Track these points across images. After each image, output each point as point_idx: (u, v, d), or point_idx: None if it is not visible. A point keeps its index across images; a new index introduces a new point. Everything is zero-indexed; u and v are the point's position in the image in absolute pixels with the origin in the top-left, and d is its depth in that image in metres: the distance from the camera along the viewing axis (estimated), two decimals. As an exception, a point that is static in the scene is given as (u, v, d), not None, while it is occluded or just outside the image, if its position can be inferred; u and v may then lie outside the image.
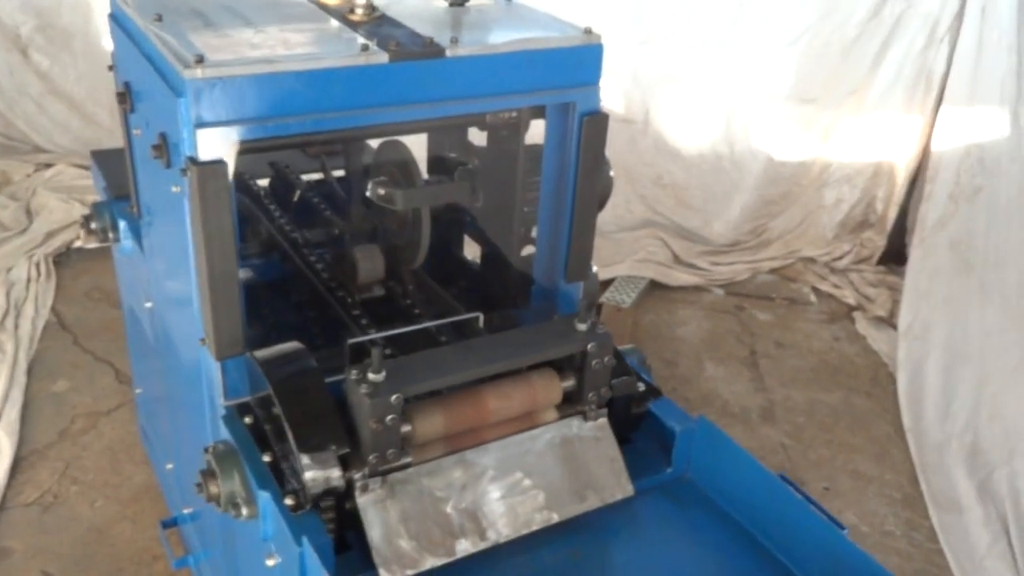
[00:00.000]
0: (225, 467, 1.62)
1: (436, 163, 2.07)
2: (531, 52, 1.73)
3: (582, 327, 1.69)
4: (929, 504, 3.24)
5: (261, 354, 1.66)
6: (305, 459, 1.51)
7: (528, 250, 2.09)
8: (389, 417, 1.51)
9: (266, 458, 1.63)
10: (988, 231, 4.12)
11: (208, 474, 1.63)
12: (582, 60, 1.79)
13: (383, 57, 1.61)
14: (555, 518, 1.65)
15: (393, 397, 1.50)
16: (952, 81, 4.33)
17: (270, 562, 1.59)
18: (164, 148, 1.63)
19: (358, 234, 2.11)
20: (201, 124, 1.50)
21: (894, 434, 3.57)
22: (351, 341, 1.81)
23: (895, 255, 4.67)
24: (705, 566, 1.62)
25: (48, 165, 4.77)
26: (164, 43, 1.58)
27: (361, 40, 1.64)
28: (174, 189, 1.66)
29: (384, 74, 1.61)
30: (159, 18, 1.69)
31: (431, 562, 1.54)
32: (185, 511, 2.39)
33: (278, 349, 1.67)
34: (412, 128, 1.86)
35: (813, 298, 4.41)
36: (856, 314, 4.32)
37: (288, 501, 1.53)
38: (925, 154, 4.50)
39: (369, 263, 2.02)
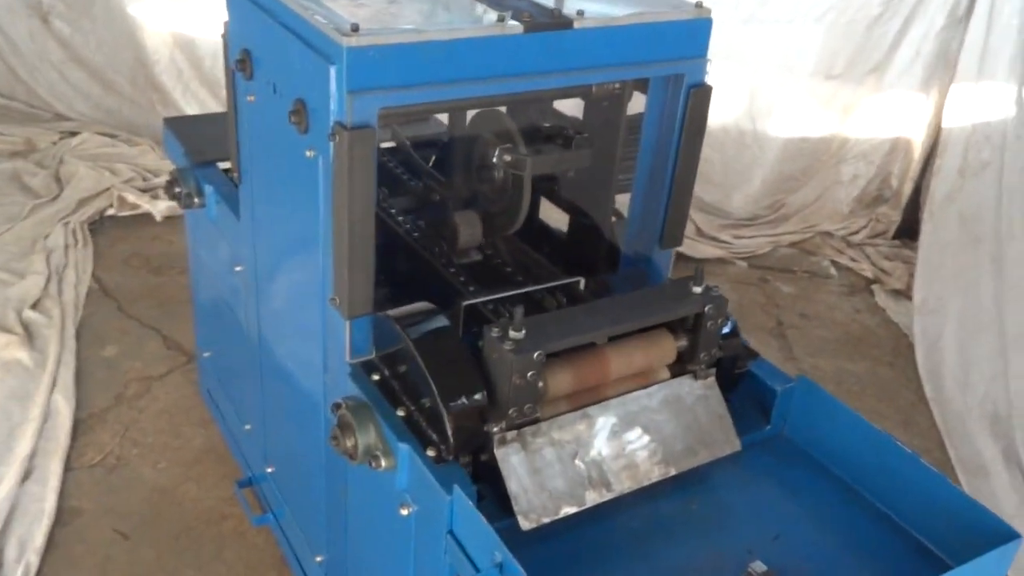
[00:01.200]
0: (361, 421, 1.69)
1: (531, 132, 2.13)
2: (649, 24, 1.80)
3: (698, 290, 1.77)
4: (957, 469, 3.38)
5: (396, 313, 1.73)
6: (450, 412, 1.58)
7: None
8: (531, 373, 1.59)
9: (400, 412, 1.70)
10: (995, 205, 4.25)
11: (344, 427, 1.70)
12: (693, 33, 1.87)
13: (518, 28, 1.67)
14: (672, 471, 1.74)
15: (536, 354, 1.58)
16: (963, 59, 4.44)
17: (404, 511, 1.67)
18: (303, 113, 1.69)
19: (455, 200, 2.17)
20: (353, 90, 1.56)
21: (918, 402, 3.70)
22: (465, 303, 1.89)
23: (909, 230, 4.80)
24: (813, 518, 1.72)
25: (73, 133, 4.76)
26: (313, 12, 1.63)
27: (495, 11, 1.71)
28: (308, 153, 1.72)
29: (519, 44, 1.68)
30: (292, -16, 1.74)
31: (564, 510, 1.63)
32: (268, 470, 2.46)
33: (410, 308, 1.75)
34: (534, 97, 1.92)
35: (833, 271, 4.52)
36: (874, 287, 4.44)
37: (430, 452, 1.61)
38: (939, 131, 4.62)
39: (469, 228, 2.09)
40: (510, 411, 1.61)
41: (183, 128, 2.70)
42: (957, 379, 3.83)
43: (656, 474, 1.73)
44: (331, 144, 1.61)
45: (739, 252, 4.53)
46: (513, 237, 2.19)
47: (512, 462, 1.61)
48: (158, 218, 4.30)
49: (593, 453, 1.69)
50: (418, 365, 1.65)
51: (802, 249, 4.67)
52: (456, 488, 1.52)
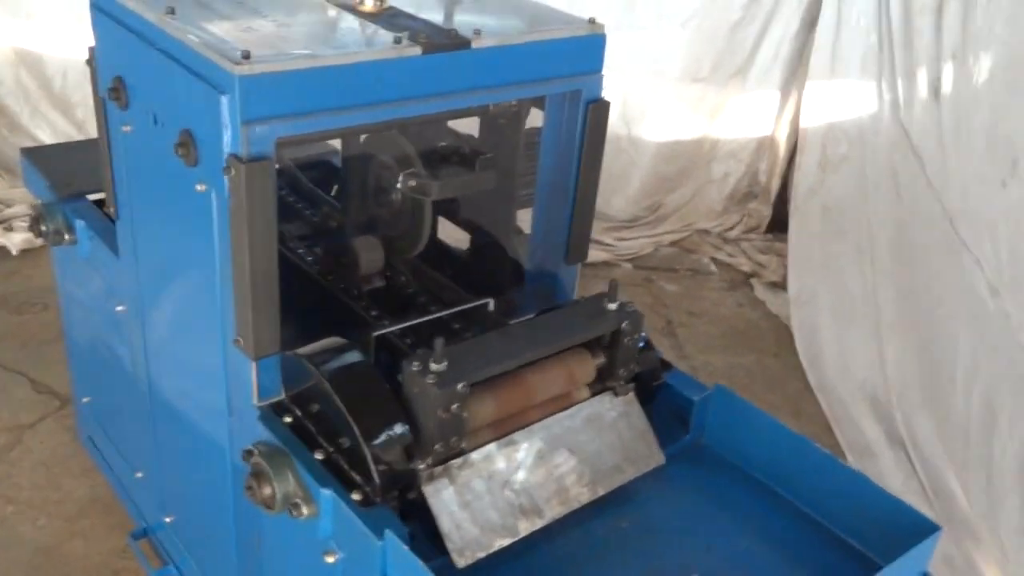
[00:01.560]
0: (277, 467, 1.60)
1: (429, 154, 2.07)
2: (546, 42, 1.78)
3: (612, 306, 1.76)
4: (847, 452, 3.50)
5: (306, 350, 1.64)
6: (374, 452, 1.51)
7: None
8: (455, 405, 1.54)
9: (319, 456, 1.62)
10: (856, 197, 4.44)
11: (259, 476, 1.61)
12: (588, 49, 1.86)
13: (416, 50, 1.62)
14: (600, 491, 1.72)
15: (460, 385, 1.53)
16: (815, 59, 4.62)
17: (330, 559, 1.59)
18: (191, 146, 1.58)
19: (352, 226, 2.10)
20: (248, 121, 1.47)
21: (805, 390, 3.83)
22: (376, 333, 1.82)
23: (780, 224, 4.96)
24: (741, 525, 1.73)
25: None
26: (197, 38, 1.53)
27: (391, 33, 1.64)
28: (199, 187, 1.62)
29: (417, 66, 1.63)
30: (171, 11, 1.64)
31: (498, 543, 1.59)
32: (166, 519, 2.32)
33: (321, 344, 1.67)
34: (433, 118, 1.87)
35: (713, 268, 4.63)
36: (753, 281, 4.57)
37: (355, 496, 1.54)
38: (793, 127, 4.80)
39: (370, 254, 2.02)
40: (436, 446, 1.55)
41: (44, 159, 2.53)
42: (837, 366, 3.98)
43: (585, 496, 1.70)
44: (226, 178, 1.51)
45: (623, 254, 4.59)
46: (414, 259, 2.13)
47: (442, 498, 1.56)
48: (14, 252, 4.02)
49: (521, 480, 1.65)
50: (334, 404, 1.57)
51: (682, 248, 4.76)
52: (388, 532, 1.45)
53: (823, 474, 1.73)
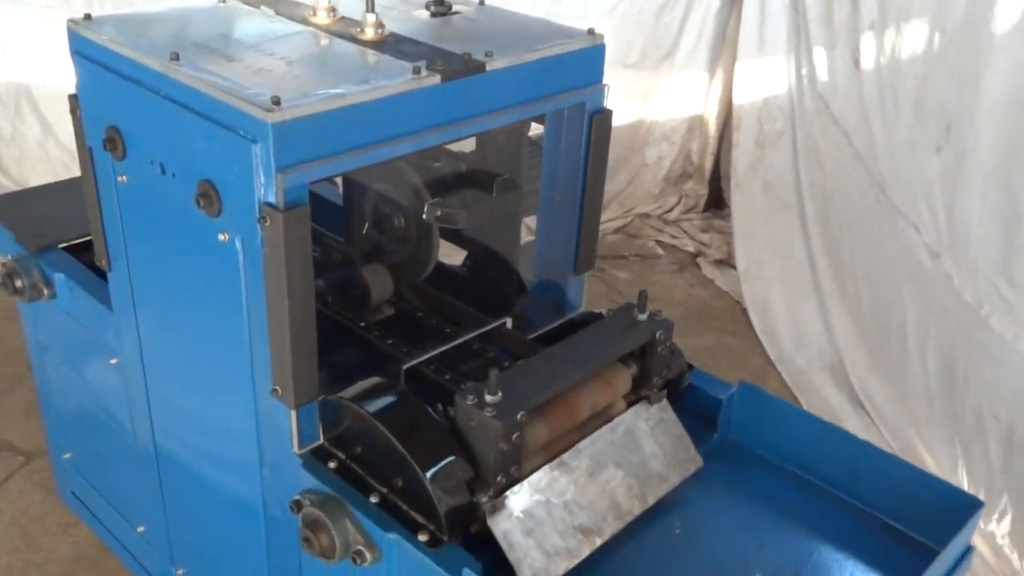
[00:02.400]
0: (333, 515, 1.57)
1: (440, 180, 2.03)
2: (554, 58, 1.77)
3: (643, 316, 1.77)
4: (815, 421, 3.61)
5: (349, 393, 1.61)
6: (438, 490, 1.50)
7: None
8: (515, 435, 1.53)
9: (374, 499, 1.59)
10: (792, 171, 4.57)
11: (314, 526, 1.57)
12: (590, 60, 1.86)
13: (436, 78, 1.59)
14: (650, 501, 1.74)
15: (519, 415, 1.52)
16: (742, 39, 4.72)
17: (395, 602, 1.57)
18: (213, 196, 1.53)
19: (356, 257, 2.06)
20: (282, 168, 1.43)
21: (767, 364, 3.93)
22: (405, 366, 1.79)
23: (717, 202, 5.07)
24: (785, 519, 1.77)
25: None
26: (215, 86, 1.48)
27: (406, 63, 1.61)
28: (221, 237, 1.57)
29: (437, 94, 1.60)
30: (176, 57, 1.57)
31: (564, 567, 1.59)
32: (178, 572, 2.24)
33: (361, 386, 1.63)
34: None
35: (660, 251, 4.70)
36: (699, 260, 4.66)
37: (422, 537, 1.52)
38: (730, 107, 4.90)
39: (379, 283, 1.99)
40: (498, 478, 1.54)
41: (11, 212, 2.40)
42: (792, 338, 4.10)
43: (637, 508, 1.72)
44: (259, 227, 1.47)
45: (571, 246, 4.61)
46: (419, 283, 2.10)
47: (507, 529, 1.55)
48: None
49: (577, 501, 1.65)
50: (387, 444, 1.55)
51: (626, 234, 4.82)
52: (466, 571, 1.44)
53: (856, 459, 1.79)
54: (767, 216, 4.57)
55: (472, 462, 1.54)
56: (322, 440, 1.70)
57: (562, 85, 1.81)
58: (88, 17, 1.76)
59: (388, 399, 1.62)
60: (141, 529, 2.35)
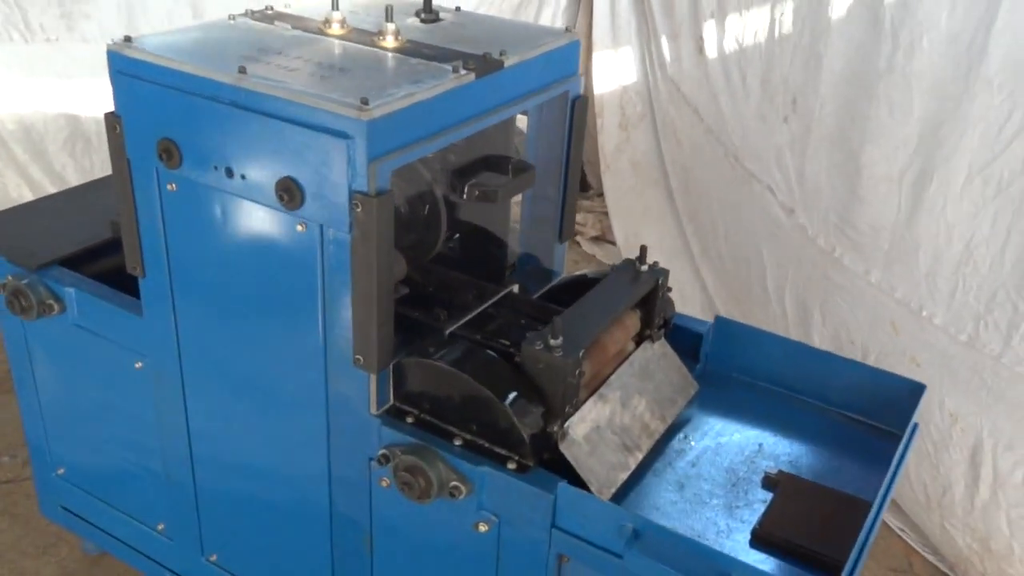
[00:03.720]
0: (426, 458, 1.80)
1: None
2: (549, 53, 2.07)
3: (644, 267, 2.10)
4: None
5: (425, 353, 1.85)
6: (524, 423, 1.76)
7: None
8: (578, 371, 1.82)
9: (457, 442, 1.83)
10: (655, 149, 5.05)
11: (412, 470, 1.80)
12: (571, 54, 2.16)
13: (471, 76, 1.85)
14: (669, 421, 2.07)
15: (581, 352, 1.81)
16: (596, 32, 5.15)
17: (483, 528, 1.82)
18: (295, 190, 1.72)
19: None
20: (373, 159, 1.65)
21: (659, 324, 4.35)
22: (449, 331, 2.04)
23: (582, 186, 5.48)
24: (773, 425, 2.12)
25: None
26: (298, 93, 1.68)
27: (441, 64, 1.86)
28: (299, 228, 1.77)
29: (475, 90, 1.86)
30: (243, 70, 1.75)
31: (620, 478, 1.89)
32: (211, 559, 2.38)
33: (427, 346, 1.87)
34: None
35: (543, 233, 5.05)
36: (578, 239, 5.05)
37: (511, 466, 1.78)
38: (590, 95, 5.31)
39: (398, 266, 2.20)
40: (567, 408, 1.82)
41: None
42: (676, 297, 4.51)
43: (661, 427, 2.05)
44: (350, 213, 1.68)
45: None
46: (425, 263, 2.32)
47: (575, 452, 1.83)
48: None
49: (618, 424, 1.96)
50: (470, 389, 1.79)
51: (509, 220, 5.13)
52: (562, 484, 1.72)
53: (817, 367, 2.18)
54: (638, 192, 5.02)
55: (542, 397, 1.81)
56: (392, 400, 1.92)
57: (555, 76, 2.11)
58: (128, 39, 1.90)
59: (457, 354, 1.86)
60: (161, 527, 2.46)
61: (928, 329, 3.04)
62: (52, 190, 4.43)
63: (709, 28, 4.22)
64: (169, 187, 1.93)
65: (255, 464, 2.17)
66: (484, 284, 2.26)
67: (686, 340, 2.29)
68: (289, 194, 1.74)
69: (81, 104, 4.38)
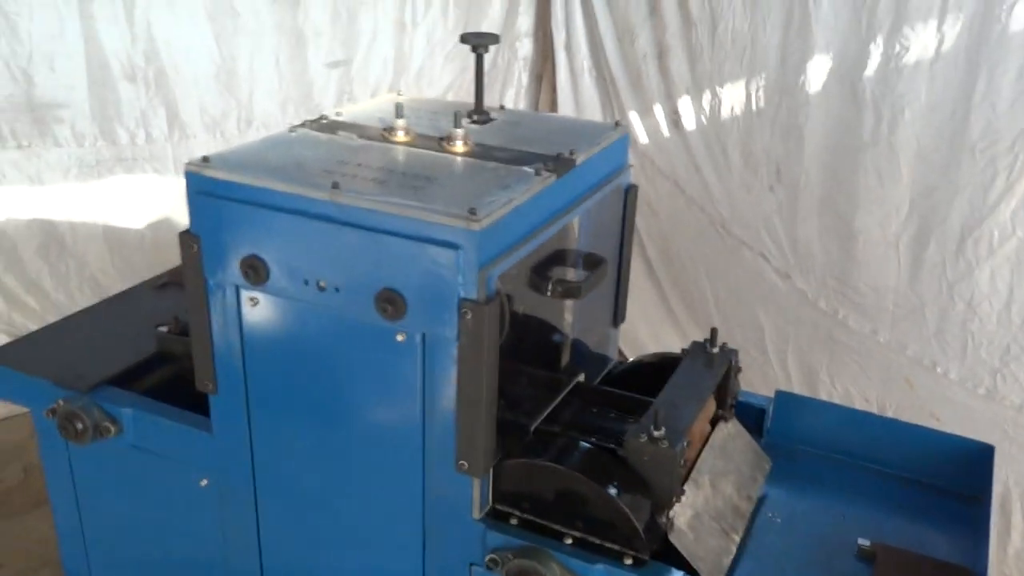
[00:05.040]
0: (541, 560, 1.79)
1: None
2: (607, 148, 2.13)
3: (715, 350, 2.14)
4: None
5: (530, 461, 1.85)
6: (639, 516, 1.77)
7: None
8: (683, 460, 1.84)
9: (568, 541, 1.83)
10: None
11: (527, 573, 1.79)
12: (623, 147, 2.23)
13: (552, 177, 1.89)
14: (754, 499, 2.10)
15: (684, 443, 1.83)
16: (562, 106, 5.28)
17: (602, 627, 1.82)
18: (399, 301, 1.73)
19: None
20: (483, 266, 1.67)
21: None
22: (534, 427, 2.05)
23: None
24: (851, 495, 2.17)
25: None
26: (400, 206, 1.69)
27: (522, 167, 1.90)
28: (399, 337, 1.78)
29: (556, 190, 1.90)
30: (336, 186, 1.76)
31: (726, 563, 1.91)
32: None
33: (524, 445, 1.88)
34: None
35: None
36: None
37: (628, 561, 1.78)
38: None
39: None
40: (672, 499, 1.84)
41: (20, 356, 2.38)
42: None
43: (748, 507, 2.07)
44: (461, 321, 1.69)
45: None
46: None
47: (684, 541, 1.85)
48: None
49: (713, 507, 1.98)
50: (580, 487, 1.80)
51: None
52: (675, 572, 1.73)
53: (880, 433, 2.24)
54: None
55: (648, 489, 1.83)
56: (491, 503, 1.91)
57: (612, 168, 2.17)
58: (206, 159, 1.89)
59: (558, 451, 1.87)
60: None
61: (944, 384, 3.15)
62: (27, 297, 4.33)
63: (684, 103, 4.36)
64: (250, 303, 1.91)
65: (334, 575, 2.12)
66: (553, 376, 2.28)
67: (748, 415, 2.33)
68: (392, 305, 1.74)
69: (54, 209, 4.31)
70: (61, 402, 2.24)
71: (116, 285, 4.41)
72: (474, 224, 1.65)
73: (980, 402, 3.02)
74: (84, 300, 4.27)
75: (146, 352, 2.42)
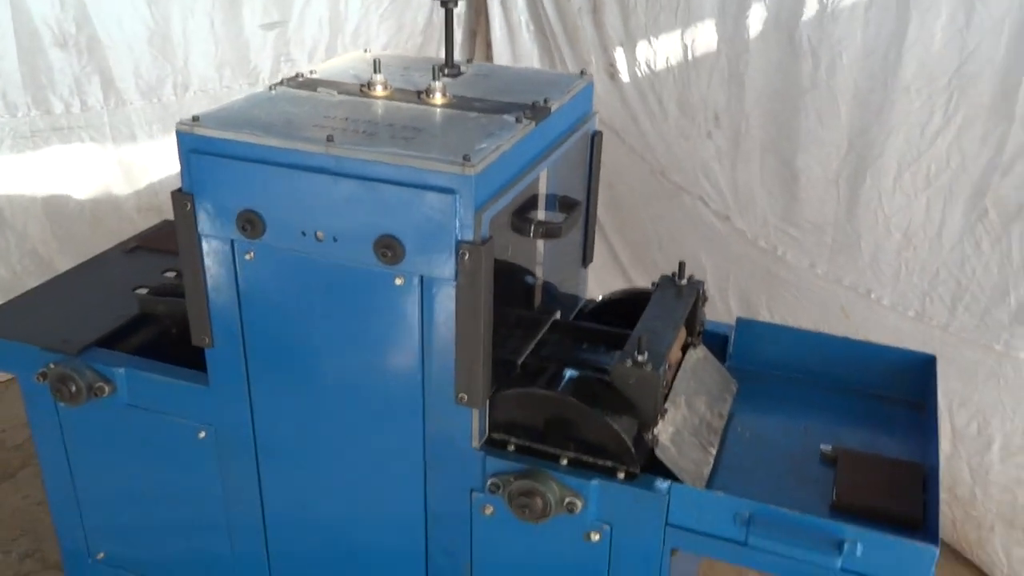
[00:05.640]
0: (541, 480, 1.93)
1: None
2: (576, 96, 2.25)
3: (683, 282, 2.30)
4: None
5: (525, 390, 1.98)
6: (630, 436, 1.92)
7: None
8: (664, 382, 1.99)
9: (563, 461, 1.97)
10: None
11: (530, 494, 1.92)
12: (588, 95, 2.35)
13: (532, 124, 2.01)
14: (724, 417, 2.27)
15: (666, 365, 1.99)
16: (497, 60, 5.35)
17: (595, 537, 1.97)
18: (396, 246, 1.83)
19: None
20: (478, 209, 1.78)
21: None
22: (520, 359, 2.18)
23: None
24: (810, 408, 2.34)
25: None
26: (395, 155, 1.79)
27: (503, 115, 2.01)
28: (397, 281, 1.88)
29: (537, 135, 2.02)
30: (331, 139, 1.84)
31: (706, 473, 2.08)
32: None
33: (516, 376, 2.01)
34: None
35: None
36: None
37: (620, 476, 1.94)
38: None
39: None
40: (657, 418, 1.99)
41: (22, 323, 2.41)
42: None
43: (720, 423, 2.24)
44: (459, 262, 1.80)
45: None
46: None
47: (669, 455, 2.00)
48: None
49: (690, 424, 2.14)
50: (574, 411, 1.94)
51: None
52: (673, 484, 1.89)
53: (840, 352, 2.43)
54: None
55: (635, 410, 1.98)
56: (487, 433, 2.04)
57: (580, 115, 2.29)
58: (196, 119, 1.95)
59: (549, 380, 2.01)
60: (237, 589, 2.47)
61: (877, 310, 3.38)
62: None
63: (619, 55, 4.49)
64: (247, 257, 1.99)
65: (338, 516, 2.23)
66: (532, 315, 2.41)
67: (712, 343, 2.49)
68: (391, 250, 1.84)
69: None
70: (52, 365, 2.28)
71: (57, 258, 4.39)
72: (469, 169, 1.75)
73: (910, 324, 3.25)
74: (27, 275, 4.23)
75: (128, 314, 2.47)
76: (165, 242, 2.88)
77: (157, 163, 4.54)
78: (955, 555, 3.36)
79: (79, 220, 4.50)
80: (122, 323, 2.44)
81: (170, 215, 2.03)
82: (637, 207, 4.75)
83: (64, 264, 3.96)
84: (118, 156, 4.52)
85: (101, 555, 2.60)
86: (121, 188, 4.60)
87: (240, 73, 4.63)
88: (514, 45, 5.22)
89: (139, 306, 2.48)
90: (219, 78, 4.61)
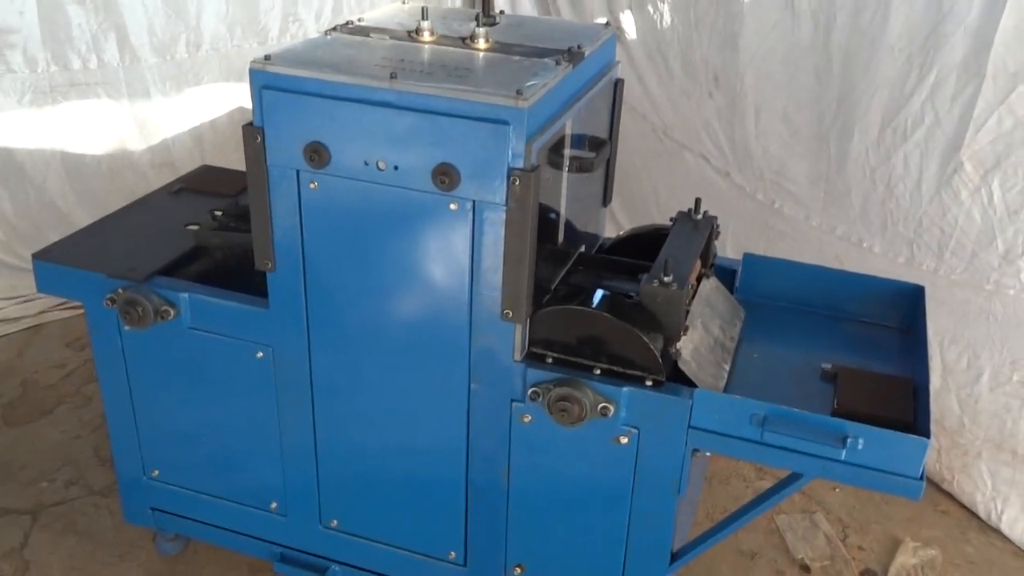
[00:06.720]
0: (577, 387, 2.16)
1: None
2: (604, 43, 2.46)
3: (699, 216, 2.52)
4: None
5: (563, 307, 2.20)
6: (656, 347, 2.15)
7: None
8: (687, 300, 2.22)
9: (597, 372, 2.20)
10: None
11: (568, 399, 2.15)
12: (613, 45, 2.56)
13: (569, 67, 2.22)
14: (736, 340, 2.51)
15: (688, 286, 2.21)
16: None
17: (624, 440, 2.20)
18: (453, 174, 2.04)
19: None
20: (529, 139, 1.99)
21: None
22: (554, 284, 2.40)
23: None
24: (810, 334, 2.58)
25: None
26: (454, 90, 1.99)
27: (543, 59, 2.21)
28: (452, 207, 2.09)
29: (575, 77, 2.23)
30: (394, 75, 2.04)
31: (721, 385, 2.31)
32: (332, 524, 2.62)
33: (554, 297, 2.23)
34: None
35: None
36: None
37: (649, 383, 2.17)
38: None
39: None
40: (680, 333, 2.22)
41: (66, 256, 2.59)
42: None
43: (732, 346, 2.48)
44: (510, 188, 2.01)
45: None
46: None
47: (691, 369, 2.24)
48: None
49: (707, 342, 2.37)
50: (607, 326, 2.16)
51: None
52: (698, 390, 2.12)
53: (838, 284, 2.66)
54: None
55: (661, 326, 2.20)
56: (527, 347, 2.26)
57: (606, 62, 2.50)
58: (268, 58, 2.14)
59: (584, 299, 2.23)
60: (274, 506, 2.68)
61: (869, 257, 3.62)
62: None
63: (627, 17, 4.69)
64: (311, 186, 2.18)
65: (386, 426, 2.44)
66: (562, 247, 2.62)
67: (721, 276, 2.72)
68: (448, 177, 2.04)
69: (12, 136, 4.38)
70: (120, 291, 2.47)
71: (75, 211, 4.53)
72: (522, 102, 1.96)
73: (901, 269, 3.50)
74: (48, 228, 4.37)
75: (184, 247, 2.66)
76: (208, 184, 3.07)
77: (170, 120, 4.68)
78: (935, 487, 3.62)
79: (96, 175, 4.64)
80: (179, 255, 2.62)
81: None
82: (637, 167, 4.97)
83: (82, 219, 4.13)
84: (133, 112, 4.65)
85: (156, 472, 2.80)
86: (136, 144, 4.73)
87: (250, 32, 4.76)
88: (515, 7, 5.40)
89: (195, 239, 2.67)
90: (230, 37, 4.74)
